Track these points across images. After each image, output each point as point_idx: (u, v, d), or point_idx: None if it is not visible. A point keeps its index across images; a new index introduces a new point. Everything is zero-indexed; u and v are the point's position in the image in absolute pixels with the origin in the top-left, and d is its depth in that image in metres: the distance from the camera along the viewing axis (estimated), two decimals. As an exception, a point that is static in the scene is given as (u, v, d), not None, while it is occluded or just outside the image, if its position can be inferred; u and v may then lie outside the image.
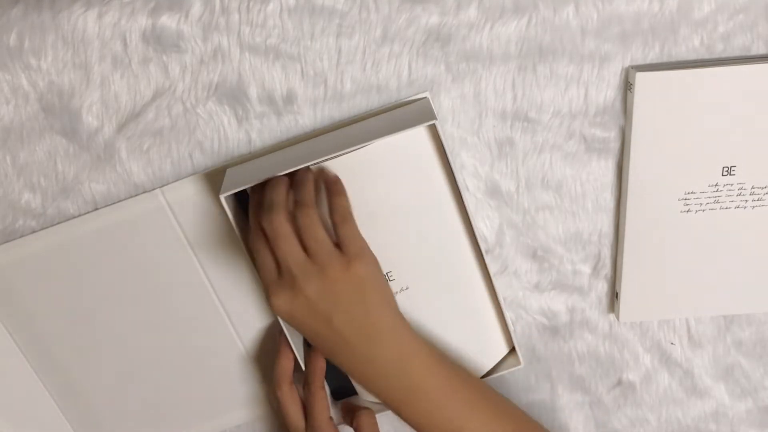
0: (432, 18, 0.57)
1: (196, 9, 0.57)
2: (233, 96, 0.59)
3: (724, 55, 0.58)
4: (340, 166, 0.57)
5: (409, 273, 0.61)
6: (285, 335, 0.61)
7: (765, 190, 0.60)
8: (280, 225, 0.52)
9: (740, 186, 0.60)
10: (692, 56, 0.58)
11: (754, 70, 0.56)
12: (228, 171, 0.59)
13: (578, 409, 0.71)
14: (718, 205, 0.61)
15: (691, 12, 0.57)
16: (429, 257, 0.61)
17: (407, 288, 0.61)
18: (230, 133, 0.60)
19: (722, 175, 0.60)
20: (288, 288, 0.52)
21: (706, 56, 0.58)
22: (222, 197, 0.55)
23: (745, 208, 0.61)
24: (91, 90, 0.59)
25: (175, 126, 0.60)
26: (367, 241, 0.55)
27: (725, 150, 0.59)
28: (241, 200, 0.60)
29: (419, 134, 0.57)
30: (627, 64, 0.59)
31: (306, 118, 0.60)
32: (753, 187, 0.60)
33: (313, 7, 0.57)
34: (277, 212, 0.52)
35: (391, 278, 0.61)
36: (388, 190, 0.59)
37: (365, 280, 0.53)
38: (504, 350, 0.66)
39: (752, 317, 0.67)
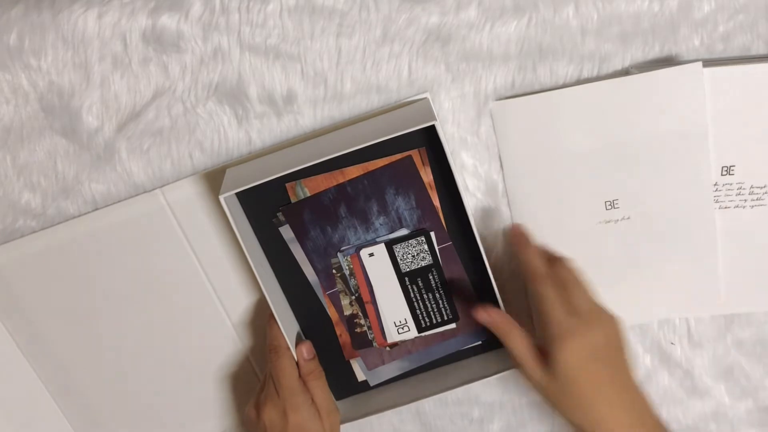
0: (432, 18, 0.57)
1: (196, 9, 0.57)
2: (233, 96, 0.59)
3: (724, 55, 0.58)
4: (602, 89, 0.57)
5: (635, 205, 0.61)
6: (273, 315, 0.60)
7: (764, 190, 0.60)
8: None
9: (739, 185, 0.60)
10: (692, 56, 0.58)
11: (754, 69, 0.57)
12: (228, 171, 0.59)
13: (578, 409, 0.71)
14: (717, 205, 0.61)
15: (691, 12, 0.57)
16: (661, 197, 0.61)
17: (628, 218, 0.62)
18: (230, 133, 0.60)
19: (721, 174, 0.60)
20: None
21: (706, 56, 0.58)
22: (222, 198, 0.55)
23: (744, 207, 0.61)
24: (91, 90, 0.59)
25: (175, 126, 0.60)
26: (604, 164, 0.59)
27: (725, 149, 0.59)
28: (242, 200, 0.60)
29: (688, 73, 0.56)
30: (627, 64, 0.59)
31: (306, 118, 0.60)
32: (752, 187, 0.60)
33: (313, 7, 0.57)
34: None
35: (616, 206, 0.61)
36: (642, 121, 0.58)
37: None
38: (716, 305, 0.65)
39: (752, 317, 0.67)
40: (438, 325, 0.64)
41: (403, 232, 0.61)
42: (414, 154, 0.59)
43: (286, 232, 0.61)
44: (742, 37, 0.58)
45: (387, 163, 0.59)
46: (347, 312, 0.63)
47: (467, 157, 0.62)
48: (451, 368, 0.65)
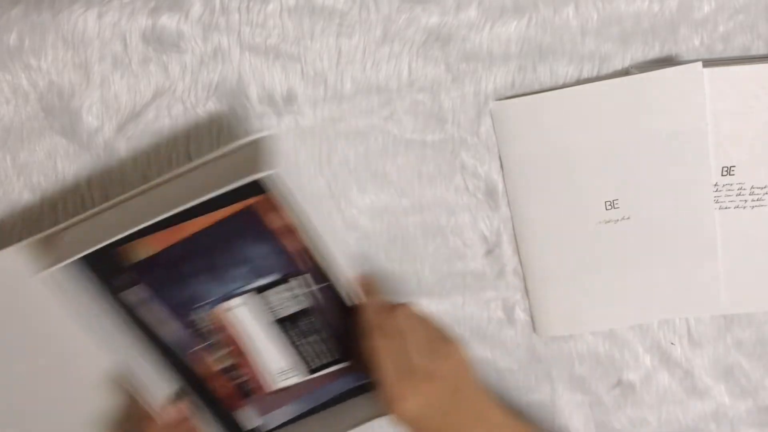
0: (432, 18, 0.57)
1: (196, 9, 0.57)
2: (233, 96, 0.59)
3: (724, 55, 0.58)
4: (603, 89, 0.58)
5: (635, 205, 0.61)
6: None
7: (764, 190, 0.60)
8: None
9: (740, 186, 0.60)
10: (692, 56, 0.58)
11: (753, 69, 0.56)
12: (65, 236, 0.55)
13: (578, 409, 0.71)
14: (717, 205, 0.61)
15: (691, 12, 0.57)
16: (660, 197, 0.61)
17: (628, 218, 0.62)
18: (230, 133, 0.60)
19: (722, 175, 0.60)
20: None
21: (706, 56, 0.58)
22: (48, 273, 0.50)
23: (744, 208, 0.61)
24: (91, 90, 0.59)
25: (175, 126, 0.60)
26: (603, 164, 0.60)
27: (726, 150, 0.59)
28: (81, 267, 0.54)
29: (688, 73, 0.57)
30: (627, 64, 0.59)
31: (306, 118, 0.60)
32: (752, 187, 0.60)
33: (313, 7, 0.57)
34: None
35: (615, 206, 0.61)
36: (641, 121, 0.59)
37: None
38: (716, 305, 0.65)
39: (752, 317, 0.67)
40: (328, 365, 0.61)
41: (262, 281, 0.57)
42: (261, 200, 0.53)
43: (135, 295, 0.56)
44: (742, 37, 0.58)
45: (232, 212, 0.54)
46: (222, 365, 0.60)
47: (467, 157, 0.62)
48: (349, 405, 0.63)
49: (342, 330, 0.60)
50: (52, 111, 0.59)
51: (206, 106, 0.60)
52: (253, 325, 0.59)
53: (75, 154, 0.61)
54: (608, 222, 0.62)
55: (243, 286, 0.57)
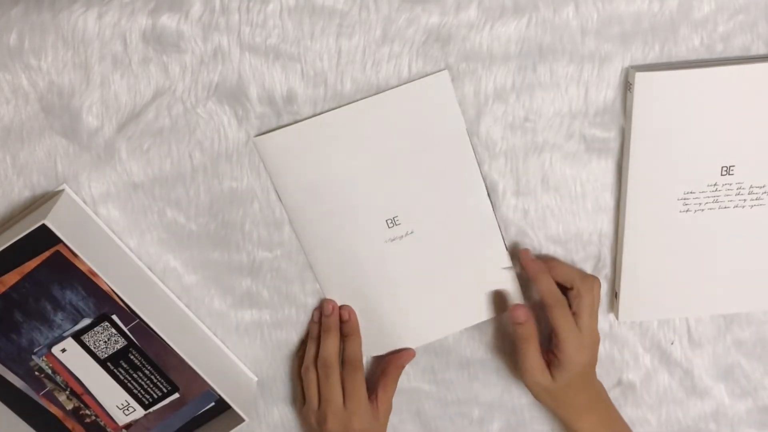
0: (432, 18, 0.57)
1: (196, 9, 0.57)
2: (233, 96, 0.59)
3: (724, 55, 0.58)
4: (358, 110, 0.58)
5: (415, 218, 0.62)
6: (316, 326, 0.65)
7: (763, 190, 0.60)
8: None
9: (739, 186, 0.60)
10: (692, 56, 0.58)
11: (754, 70, 0.57)
12: None
13: (578, 409, 0.71)
14: (717, 205, 0.61)
15: (691, 12, 0.57)
16: (438, 205, 0.62)
17: (412, 232, 0.62)
18: (230, 133, 0.60)
19: (721, 174, 0.60)
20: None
21: (706, 56, 0.58)
22: None
23: (743, 207, 0.61)
24: (91, 90, 0.59)
25: (175, 126, 0.60)
26: (376, 184, 0.60)
27: (724, 150, 0.59)
28: None
29: (437, 82, 0.58)
30: (627, 64, 0.59)
31: (306, 118, 0.60)
32: (752, 187, 0.60)
33: (313, 7, 0.57)
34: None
35: (397, 222, 0.62)
36: (403, 135, 0.59)
37: None
38: (506, 306, 0.66)
39: (752, 317, 0.67)
40: (160, 399, 0.64)
41: (86, 321, 0.60)
42: (62, 247, 0.57)
43: None
44: (742, 37, 0.58)
45: (39, 262, 0.58)
46: (69, 406, 0.63)
47: (467, 157, 0.62)
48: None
49: (169, 362, 0.62)
50: (52, 111, 0.59)
51: (206, 106, 0.60)
52: (83, 365, 0.62)
53: (75, 154, 0.61)
54: (393, 240, 0.62)
55: (67, 330, 0.60)
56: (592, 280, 0.63)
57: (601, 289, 0.66)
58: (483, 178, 0.61)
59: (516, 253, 0.64)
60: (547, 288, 0.62)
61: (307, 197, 0.61)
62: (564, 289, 0.63)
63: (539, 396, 0.65)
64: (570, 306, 0.62)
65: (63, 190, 0.61)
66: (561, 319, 0.61)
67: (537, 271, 0.63)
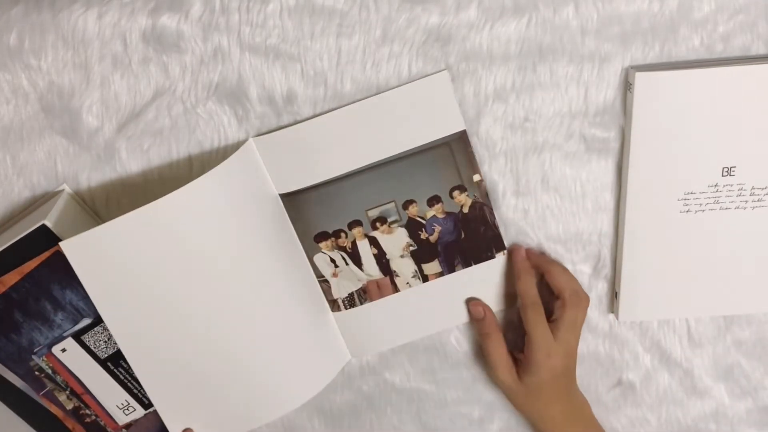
0: (432, 18, 0.57)
1: (196, 9, 0.57)
2: (233, 96, 0.59)
3: (724, 55, 0.58)
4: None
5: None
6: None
7: (764, 191, 0.60)
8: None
9: (740, 186, 0.60)
10: (692, 56, 0.58)
11: (754, 70, 0.57)
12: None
13: (578, 409, 0.71)
14: (717, 206, 0.61)
15: (691, 12, 0.57)
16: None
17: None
18: (230, 133, 0.60)
19: (722, 175, 0.60)
20: None
21: (706, 56, 0.58)
22: None
23: (744, 208, 0.61)
24: (91, 90, 0.59)
25: (175, 126, 0.60)
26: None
27: (725, 150, 0.59)
28: None
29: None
30: (627, 64, 0.59)
31: (306, 118, 0.60)
32: (753, 188, 0.60)
33: (313, 7, 0.57)
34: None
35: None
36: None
37: None
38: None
39: (752, 317, 0.67)
40: None
41: (86, 321, 0.60)
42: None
43: None
44: (742, 37, 0.58)
45: (39, 262, 0.57)
46: (69, 406, 0.63)
47: (467, 157, 0.62)
48: None
49: None
50: (52, 111, 0.59)
51: (206, 106, 0.60)
52: (83, 365, 0.61)
53: (75, 154, 0.61)
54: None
55: (67, 330, 0.60)
56: (582, 298, 0.62)
57: (601, 289, 0.66)
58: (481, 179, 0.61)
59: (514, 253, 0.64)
60: (524, 288, 0.62)
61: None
62: (553, 296, 0.63)
63: (510, 398, 0.65)
64: (552, 314, 0.62)
65: (63, 190, 0.61)
66: (532, 320, 0.61)
67: (521, 270, 0.63)
